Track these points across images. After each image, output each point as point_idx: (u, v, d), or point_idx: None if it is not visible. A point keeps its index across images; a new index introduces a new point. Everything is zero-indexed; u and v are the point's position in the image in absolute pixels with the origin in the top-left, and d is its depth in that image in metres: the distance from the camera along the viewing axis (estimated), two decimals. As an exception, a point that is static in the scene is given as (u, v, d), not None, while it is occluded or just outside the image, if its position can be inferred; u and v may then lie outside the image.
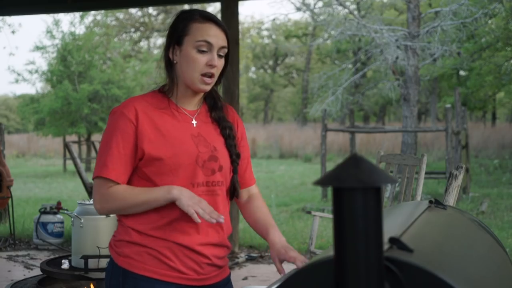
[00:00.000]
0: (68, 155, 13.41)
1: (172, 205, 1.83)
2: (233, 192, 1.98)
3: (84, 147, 18.46)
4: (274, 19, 34.33)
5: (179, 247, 1.85)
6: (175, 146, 1.85)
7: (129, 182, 1.89)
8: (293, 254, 1.88)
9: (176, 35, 1.89)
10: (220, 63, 1.90)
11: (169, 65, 1.92)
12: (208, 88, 1.90)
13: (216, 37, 1.88)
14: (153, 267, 1.85)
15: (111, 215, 3.51)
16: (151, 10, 32.74)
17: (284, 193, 11.59)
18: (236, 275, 5.35)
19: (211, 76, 1.88)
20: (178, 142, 1.87)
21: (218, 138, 1.94)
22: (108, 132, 1.87)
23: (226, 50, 1.91)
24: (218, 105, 1.99)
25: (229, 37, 1.93)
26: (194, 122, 1.93)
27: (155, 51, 31.81)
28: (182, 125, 1.90)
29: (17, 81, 18.06)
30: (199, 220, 1.77)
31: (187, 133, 1.90)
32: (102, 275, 3.33)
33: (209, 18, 1.90)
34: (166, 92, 1.94)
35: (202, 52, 1.87)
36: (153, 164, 1.85)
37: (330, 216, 4.50)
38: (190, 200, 1.78)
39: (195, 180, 1.87)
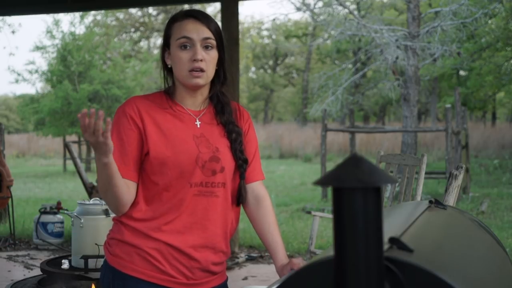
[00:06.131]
0: (68, 155, 13.42)
1: (170, 206, 1.84)
2: (238, 198, 1.94)
3: (84, 147, 18.46)
4: (274, 19, 34.37)
5: (168, 249, 1.84)
6: (176, 146, 1.85)
7: None
8: (295, 261, 1.88)
9: (165, 39, 1.92)
10: (209, 56, 1.87)
11: (168, 68, 1.94)
12: (200, 81, 1.87)
13: (196, 30, 1.85)
14: (142, 268, 1.84)
15: (112, 215, 3.51)
16: (151, 10, 32.73)
17: (284, 193, 11.59)
18: (236, 275, 5.35)
19: (199, 70, 1.85)
20: (179, 141, 1.86)
21: (221, 139, 1.92)
22: (112, 132, 1.86)
23: (213, 41, 1.87)
24: (226, 110, 1.95)
25: (214, 28, 1.89)
26: (197, 122, 1.92)
27: (155, 51, 31.82)
28: (184, 125, 1.90)
29: (17, 81, 18.08)
30: (101, 138, 1.63)
31: (189, 133, 1.89)
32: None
33: (189, 14, 1.88)
34: (171, 94, 1.94)
35: (185, 48, 1.86)
36: (153, 162, 1.85)
37: (330, 216, 4.50)
38: (88, 138, 1.66)
39: (192, 180, 1.85)
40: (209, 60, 1.87)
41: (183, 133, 1.88)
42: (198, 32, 1.85)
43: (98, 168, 1.75)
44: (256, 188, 2.00)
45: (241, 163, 1.93)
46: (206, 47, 1.87)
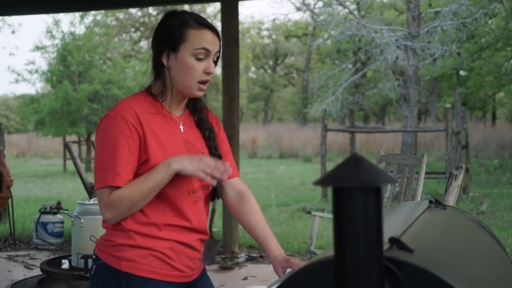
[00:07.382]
0: (68, 155, 13.42)
1: (168, 207, 1.85)
2: (213, 194, 1.99)
3: (84, 147, 18.46)
4: (274, 19, 34.33)
5: (179, 246, 1.87)
6: (172, 153, 1.83)
7: None
8: (294, 261, 1.88)
9: (172, 41, 1.84)
10: (213, 68, 1.90)
11: (160, 68, 1.88)
12: (202, 94, 1.90)
13: (213, 43, 1.86)
14: (158, 269, 1.85)
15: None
16: (151, 10, 32.73)
17: (284, 193, 11.59)
18: (236, 275, 5.35)
19: (206, 82, 1.88)
20: (173, 148, 1.85)
21: (201, 141, 1.96)
22: (112, 137, 1.79)
23: (218, 54, 1.92)
24: (198, 107, 1.99)
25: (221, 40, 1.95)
26: (181, 127, 1.92)
27: (155, 51, 31.77)
28: (173, 131, 1.89)
29: (17, 81, 18.08)
30: (214, 183, 1.79)
31: (179, 139, 1.89)
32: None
33: (204, 23, 1.87)
34: (157, 95, 1.90)
35: (199, 59, 1.85)
36: (150, 169, 1.82)
37: (330, 216, 4.50)
38: (192, 164, 1.76)
39: (191, 187, 1.88)
40: (213, 73, 1.90)
41: (174, 140, 1.88)
42: (214, 45, 1.87)
43: (162, 175, 1.77)
44: (237, 184, 2.03)
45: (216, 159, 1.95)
46: (214, 60, 1.91)
